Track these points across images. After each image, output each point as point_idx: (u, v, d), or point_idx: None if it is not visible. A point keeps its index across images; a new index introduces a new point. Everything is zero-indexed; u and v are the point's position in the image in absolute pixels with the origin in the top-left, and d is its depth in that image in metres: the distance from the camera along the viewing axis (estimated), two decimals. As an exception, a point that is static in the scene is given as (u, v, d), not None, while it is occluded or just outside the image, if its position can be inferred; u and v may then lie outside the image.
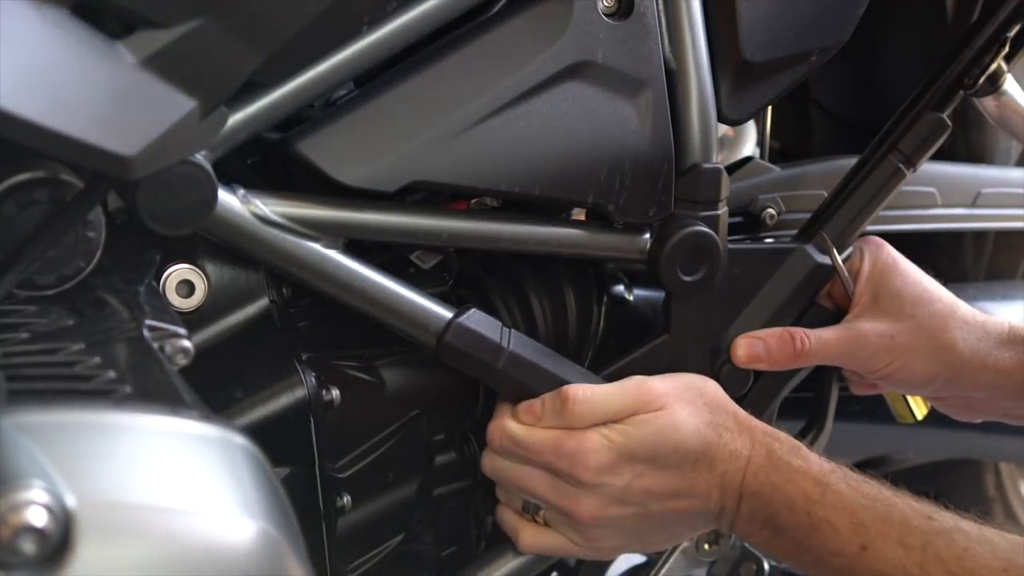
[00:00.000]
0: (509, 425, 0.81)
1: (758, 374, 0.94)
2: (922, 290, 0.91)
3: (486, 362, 0.80)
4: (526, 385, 0.82)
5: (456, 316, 0.79)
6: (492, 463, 0.84)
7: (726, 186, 0.86)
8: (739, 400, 0.94)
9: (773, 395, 0.95)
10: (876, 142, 0.95)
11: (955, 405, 0.95)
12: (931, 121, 0.92)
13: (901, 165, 0.93)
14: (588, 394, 0.80)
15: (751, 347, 0.89)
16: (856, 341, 0.89)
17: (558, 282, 0.91)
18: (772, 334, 0.89)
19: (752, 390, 0.94)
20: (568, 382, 0.81)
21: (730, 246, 0.89)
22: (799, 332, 0.89)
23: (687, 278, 0.85)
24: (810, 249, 0.92)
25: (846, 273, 0.92)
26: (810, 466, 0.78)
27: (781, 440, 0.80)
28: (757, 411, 0.94)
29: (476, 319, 0.79)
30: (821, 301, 0.95)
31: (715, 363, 0.90)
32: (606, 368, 0.88)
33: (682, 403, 0.80)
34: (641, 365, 0.87)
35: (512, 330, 0.82)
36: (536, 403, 0.81)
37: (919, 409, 1.01)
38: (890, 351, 0.88)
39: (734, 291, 0.90)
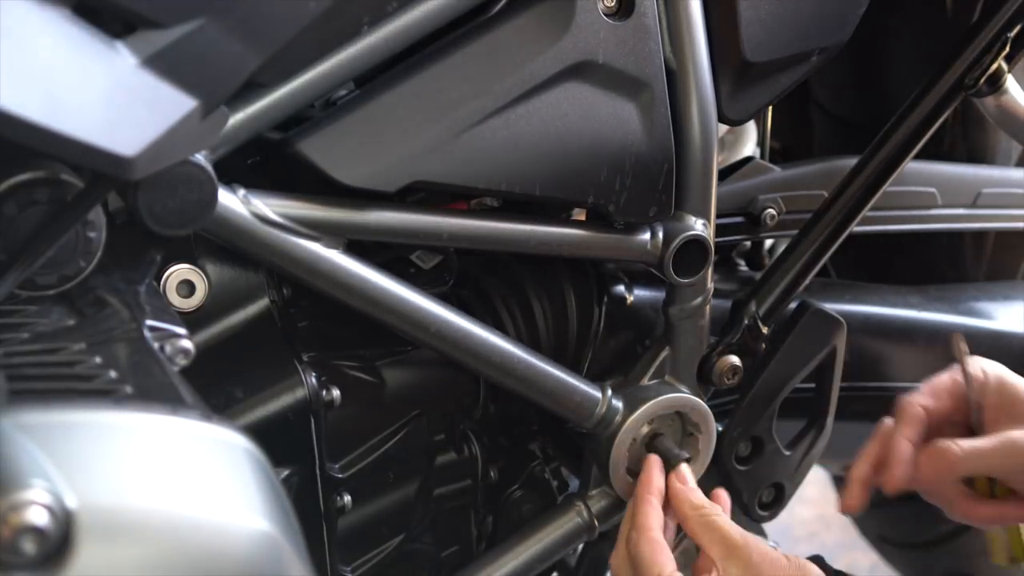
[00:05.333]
0: None
1: (758, 374, 0.94)
2: None
3: None
4: None
5: None
6: None
7: None
8: (740, 400, 0.94)
9: (774, 395, 0.95)
10: (876, 143, 0.96)
11: None
12: None
13: None
14: None
15: (903, 469, 0.85)
16: (1013, 446, 0.82)
17: (558, 282, 0.91)
18: (923, 453, 0.85)
19: (753, 390, 0.94)
20: None
21: None
22: (948, 444, 0.83)
23: None
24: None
25: (974, 385, 0.88)
26: None
27: None
28: (758, 411, 0.94)
29: None
30: (942, 427, 0.89)
31: None
32: (607, 372, 0.88)
33: None
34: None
35: None
36: None
37: None
38: None
39: None
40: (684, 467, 0.85)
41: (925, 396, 0.89)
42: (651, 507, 0.81)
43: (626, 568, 0.80)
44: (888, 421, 0.90)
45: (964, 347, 0.90)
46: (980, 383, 0.88)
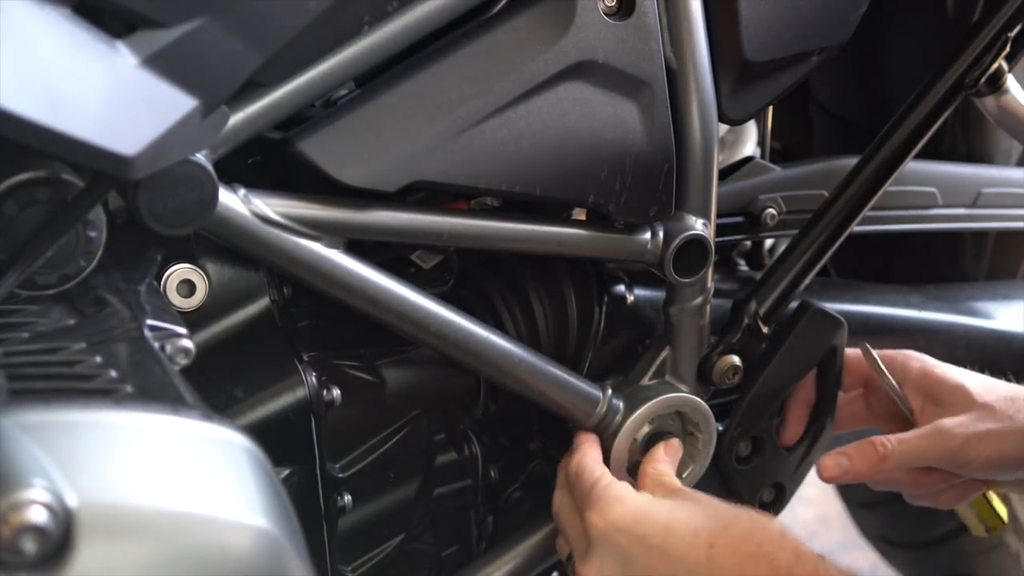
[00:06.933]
0: None
1: (758, 374, 0.94)
2: (978, 379, 0.90)
3: None
4: None
5: None
6: None
7: None
8: (740, 399, 0.94)
9: (774, 395, 0.95)
10: (876, 142, 0.96)
11: None
12: None
13: None
14: None
15: (837, 464, 0.89)
16: (942, 436, 0.88)
17: (559, 282, 0.91)
18: (853, 447, 0.89)
19: (753, 390, 0.94)
20: None
21: None
22: (880, 439, 0.89)
23: None
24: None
25: (893, 382, 0.93)
26: None
27: None
28: (758, 411, 0.94)
29: None
30: (870, 419, 0.96)
31: None
32: (607, 372, 0.88)
33: None
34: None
35: None
36: None
37: (1003, 511, 0.97)
38: (980, 439, 0.87)
39: None
40: (674, 441, 0.88)
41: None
42: (587, 445, 0.85)
43: (566, 496, 0.83)
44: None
45: (873, 353, 0.94)
46: (899, 379, 0.93)
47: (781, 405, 0.96)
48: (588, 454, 0.83)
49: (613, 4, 0.78)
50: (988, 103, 0.97)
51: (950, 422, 0.88)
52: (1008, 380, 0.91)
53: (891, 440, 0.88)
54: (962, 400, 0.89)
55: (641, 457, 0.88)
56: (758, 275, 1.01)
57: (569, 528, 0.81)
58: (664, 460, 0.86)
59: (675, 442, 0.88)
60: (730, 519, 0.75)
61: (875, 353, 0.94)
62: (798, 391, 0.96)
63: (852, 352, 0.96)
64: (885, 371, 0.93)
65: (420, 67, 0.74)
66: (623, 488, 0.78)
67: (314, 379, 0.79)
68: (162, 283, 0.75)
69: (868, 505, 1.48)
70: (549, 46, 0.76)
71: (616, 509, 0.76)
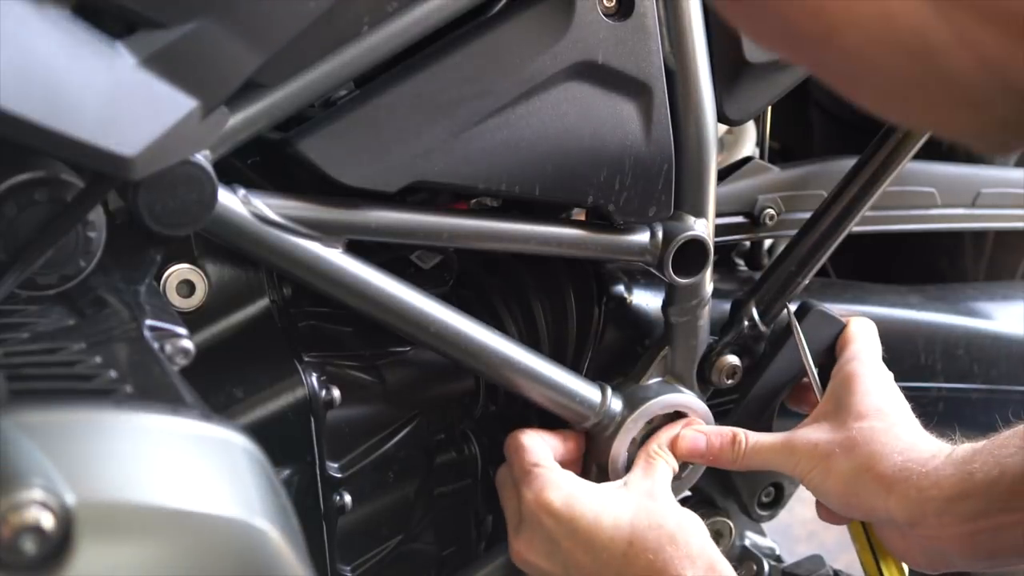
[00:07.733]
0: None
1: (758, 374, 0.94)
2: (872, 408, 0.86)
3: None
4: None
5: None
6: None
7: None
8: (740, 399, 0.94)
9: (774, 395, 0.95)
10: (875, 142, 0.96)
11: (909, 551, 0.87)
12: None
13: None
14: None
15: (695, 442, 0.88)
16: (785, 448, 0.86)
17: (558, 282, 0.91)
18: (716, 432, 0.88)
19: (753, 390, 0.94)
20: None
21: None
22: (741, 436, 0.88)
23: None
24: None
25: (817, 380, 0.92)
26: None
27: None
28: (758, 411, 0.94)
29: None
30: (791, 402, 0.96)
31: None
32: (607, 372, 0.88)
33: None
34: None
35: None
36: None
37: (890, 568, 0.91)
38: (812, 457, 0.85)
39: None
40: (696, 426, 0.89)
41: None
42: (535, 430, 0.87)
43: (509, 470, 0.85)
44: None
45: (799, 330, 0.92)
46: (839, 365, 0.90)
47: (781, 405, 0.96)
48: (532, 436, 0.85)
49: (612, 4, 0.78)
50: (987, 103, 0.97)
51: (801, 435, 0.86)
52: (953, 437, 0.85)
53: (748, 442, 0.87)
54: (839, 422, 0.85)
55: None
56: (758, 275, 1.01)
57: (507, 501, 0.84)
58: (671, 434, 0.87)
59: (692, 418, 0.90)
60: (658, 521, 0.78)
61: (801, 334, 0.92)
62: (797, 391, 0.96)
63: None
64: (806, 350, 0.92)
65: (420, 67, 0.74)
66: (561, 473, 0.81)
67: (314, 379, 0.79)
68: (162, 283, 0.75)
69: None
70: (548, 46, 0.76)
71: (551, 493, 0.79)
